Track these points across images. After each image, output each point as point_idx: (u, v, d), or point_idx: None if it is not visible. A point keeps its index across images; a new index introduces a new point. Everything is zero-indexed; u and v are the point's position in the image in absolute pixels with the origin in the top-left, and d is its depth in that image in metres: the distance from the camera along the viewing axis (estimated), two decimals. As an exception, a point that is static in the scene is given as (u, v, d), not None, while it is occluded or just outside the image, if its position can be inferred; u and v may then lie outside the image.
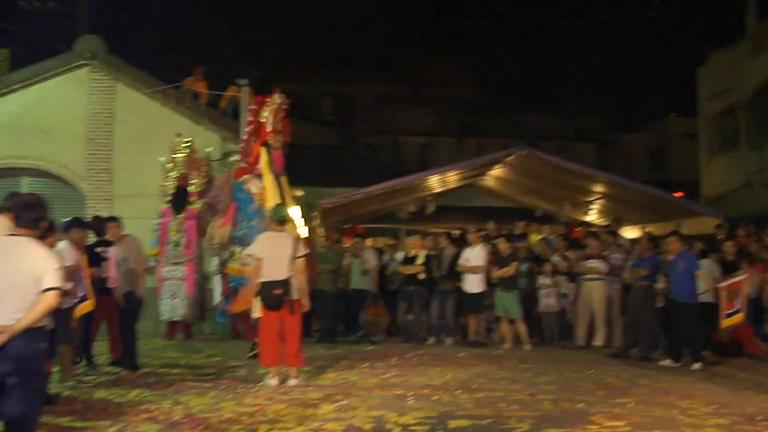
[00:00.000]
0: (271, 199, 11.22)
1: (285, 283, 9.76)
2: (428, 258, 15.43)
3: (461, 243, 15.81)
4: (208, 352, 13.41)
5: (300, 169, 25.13)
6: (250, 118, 11.71)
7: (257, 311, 9.89)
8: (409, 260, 15.50)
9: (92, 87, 17.65)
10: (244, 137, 12.05)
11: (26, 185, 17.63)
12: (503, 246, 15.00)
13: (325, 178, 27.29)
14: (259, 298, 9.83)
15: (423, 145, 41.12)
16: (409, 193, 22.67)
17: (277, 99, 11.72)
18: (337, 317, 16.02)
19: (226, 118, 18.40)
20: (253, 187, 11.48)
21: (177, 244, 14.64)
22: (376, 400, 8.63)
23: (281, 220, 10.25)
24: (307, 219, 20.64)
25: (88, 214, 14.94)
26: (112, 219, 11.31)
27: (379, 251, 17.05)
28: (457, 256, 15.24)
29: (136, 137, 17.37)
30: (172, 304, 14.61)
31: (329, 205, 19.79)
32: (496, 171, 22.77)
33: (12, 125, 17.42)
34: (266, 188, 11.42)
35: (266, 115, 11.63)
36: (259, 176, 11.56)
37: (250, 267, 10.11)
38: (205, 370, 11.18)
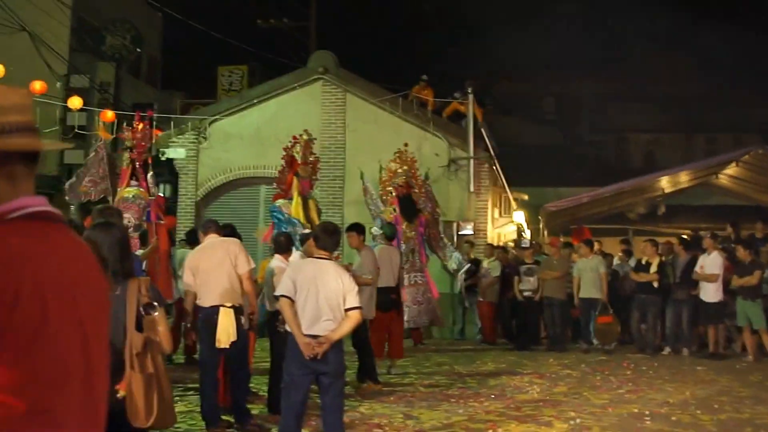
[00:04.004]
0: (297, 215, 12.94)
1: (396, 289, 11.58)
2: (662, 265, 14.87)
3: (696, 248, 15.13)
4: (436, 359, 13.56)
5: (523, 169, 25.13)
6: (284, 153, 13.51)
7: (371, 313, 10.86)
8: (642, 267, 15.00)
9: (325, 99, 18.48)
10: (280, 168, 13.51)
11: (264, 193, 18.66)
12: (742, 253, 14.21)
13: (549, 178, 27.00)
14: (375, 301, 11.01)
15: (649, 141, 39.75)
16: (638, 193, 22.01)
17: (305, 136, 13.41)
18: (566, 325, 15.77)
19: (452, 124, 18.59)
20: (285, 208, 13.07)
21: (412, 251, 14.85)
22: (611, 419, 8.42)
23: (389, 236, 12.09)
24: (532, 222, 20.63)
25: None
26: (356, 228, 11.40)
27: (610, 257, 16.61)
28: (691, 262, 14.60)
29: (366, 145, 17.95)
30: (418, 310, 14.82)
31: (554, 208, 19.60)
32: (730, 170, 21.64)
33: (252, 137, 18.52)
34: (294, 208, 13.09)
35: (297, 150, 13.37)
36: (291, 200, 13.25)
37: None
38: (435, 380, 11.31)
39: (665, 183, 21.69)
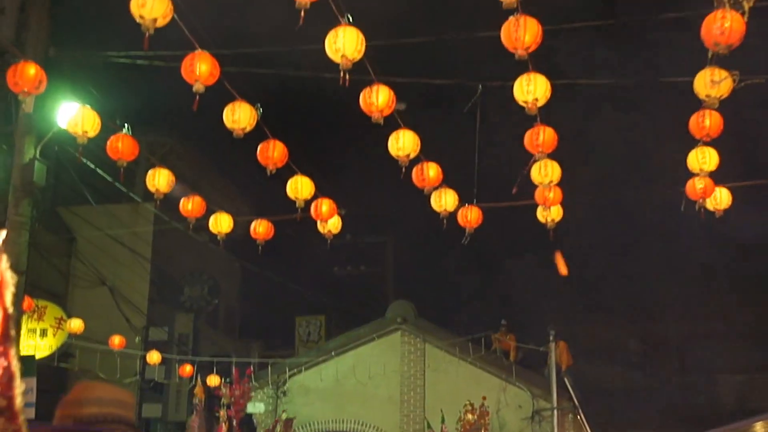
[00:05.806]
0: None
1: None
2: None
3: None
4: None
5: (609, 416, 24.24)
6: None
7: None
8: None
9: (403, 350, 18.29)
10: None
11: (343, 448, 18.24)
12: None
13: (636, 425, 26.30)
14: None
15: (741, 382, 38.43)
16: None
17: (284, 415, 14.58)
18: None
19: (534, 374, 18.12)
20: None
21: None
22: None
23: None
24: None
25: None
26: None
27: None
28: None
29: (446, 397, 17.51)
30: None
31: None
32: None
33: (330, 390, 18.30)
34: None
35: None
36: None
37: None
38: None
39: (759, 429, 20.71)
